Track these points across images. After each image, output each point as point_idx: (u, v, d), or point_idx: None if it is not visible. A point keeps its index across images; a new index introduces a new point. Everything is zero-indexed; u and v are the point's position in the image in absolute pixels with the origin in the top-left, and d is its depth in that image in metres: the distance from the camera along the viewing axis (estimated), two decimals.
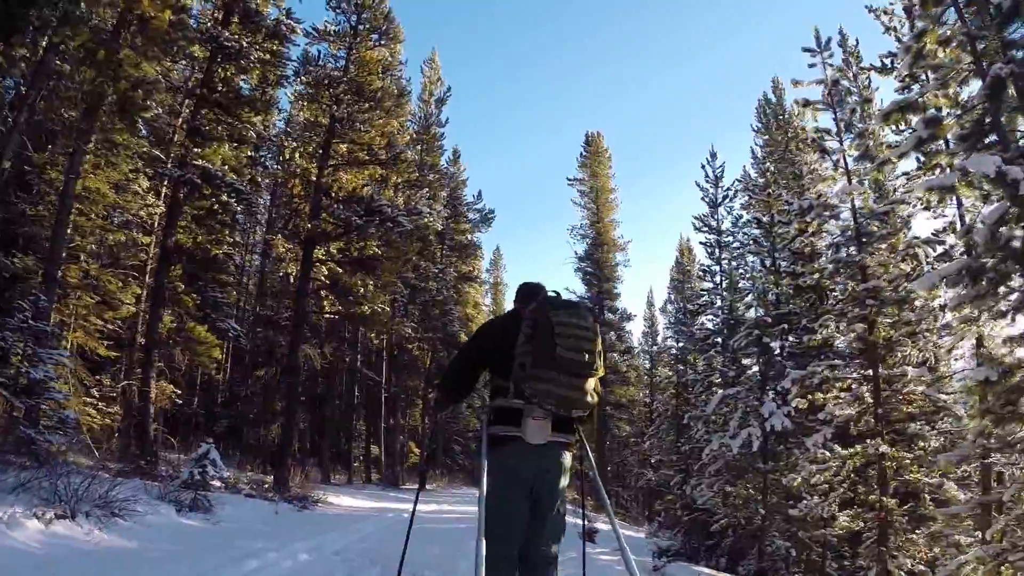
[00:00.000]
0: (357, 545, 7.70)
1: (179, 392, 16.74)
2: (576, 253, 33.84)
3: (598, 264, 32.82)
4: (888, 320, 8.34)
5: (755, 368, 11.54)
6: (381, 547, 7.58)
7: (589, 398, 2.91)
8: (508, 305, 41.17)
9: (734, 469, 10.55)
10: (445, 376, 3.54)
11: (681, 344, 23.90)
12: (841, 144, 9.02)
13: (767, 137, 25.87)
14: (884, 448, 7.79)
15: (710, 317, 18.51)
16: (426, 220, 14.85)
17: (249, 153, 17.17)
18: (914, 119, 6.23)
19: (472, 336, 3.41)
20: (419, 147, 27.50)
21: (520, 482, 2.89)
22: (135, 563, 5.62)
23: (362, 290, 14.41)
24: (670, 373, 33.35)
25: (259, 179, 26.49)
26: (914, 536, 7.81)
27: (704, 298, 18.77)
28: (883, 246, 8.44)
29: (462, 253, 30.27)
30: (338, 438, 27.23)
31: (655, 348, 38.41)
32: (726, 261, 18.93)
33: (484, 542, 2.48)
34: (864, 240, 8.51)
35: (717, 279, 18.77)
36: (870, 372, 8.35)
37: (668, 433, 22.05)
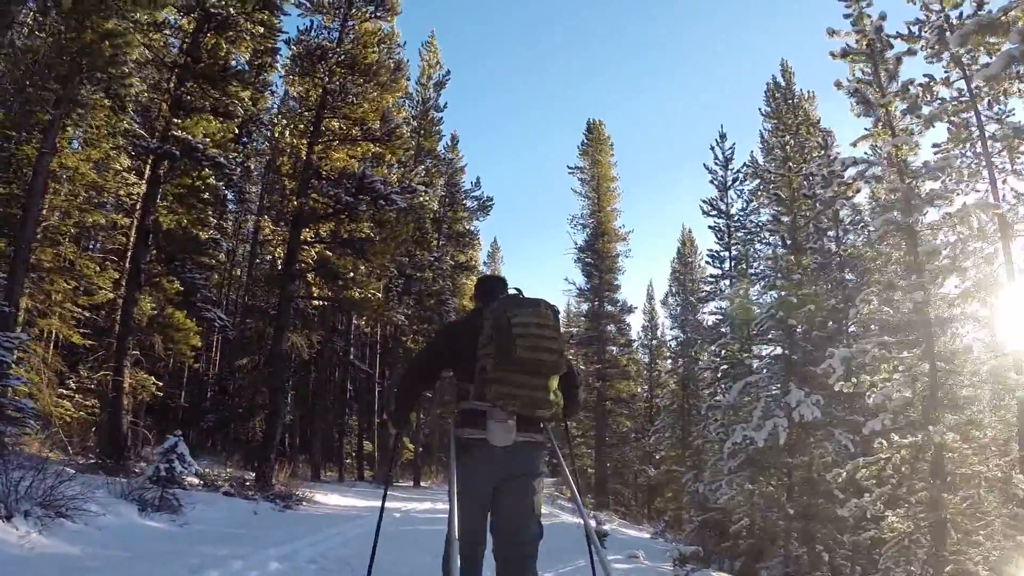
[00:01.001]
0: (338, 550, 6.75)
1: (160, 384, 15.87)
2: (576, 243, 32.88)
3: (598, 254, 31.85)
4: (942, 290, 7.42)
5: (776, 352, 10.62)
6: (365, 552, 6.64)
7: (552, 396, 2.87)
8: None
9: (756, 464, 9.64)
10: (401, 383, 3.35)
11: (687, 334, 22.95)
12: (883, 96, 8.08)
13: (776, 121, 25.01)
14: (944, 435, 6.84)
15: (719, 304, 17.63)
16: (421, 199, 13.86)
17: (235, 131, 16.22)
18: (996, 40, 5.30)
19: (432, 339, 3.42)
20: (417, 132, 26.56)
21: (485, 484, 2.88)
22: (66, 573, 4.68)
23: (352, 274, 13.42)
24: (672, 366, 32.69)
25: (251, 166, 25.80)
26: (979, 538, 6.89)
27: (712, 285, 17.85)
28: (934, 209, 7.53)
29: (459, 242, 29.22)
30: (330, 433, 26.24)
31: (654, 342, 37.67)
32: (736, 247, 18.05)
33: (456, 545, 2.56)
34: (914, 202, 7.59)
35: (726, 266, 17.89)
36: (918, 350, 7.41)
37: (674, 428, 21.13)
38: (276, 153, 15.23)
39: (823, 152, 23.56)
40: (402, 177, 14.14)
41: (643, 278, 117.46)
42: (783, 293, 10.11)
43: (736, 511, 10.04)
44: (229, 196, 25.71)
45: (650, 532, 16.63)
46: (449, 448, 3.02)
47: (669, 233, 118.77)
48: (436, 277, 26.07)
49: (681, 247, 35.87)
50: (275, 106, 19.38)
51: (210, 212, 16.46)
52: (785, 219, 11.23)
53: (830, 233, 10.81)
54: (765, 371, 9.85)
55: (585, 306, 33.51)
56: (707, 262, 17.89)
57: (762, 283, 12.20)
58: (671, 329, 34.37)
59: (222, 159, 12.87)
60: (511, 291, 3.11)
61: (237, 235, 25.91)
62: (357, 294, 13.22)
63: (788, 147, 15.53)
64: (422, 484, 26.84)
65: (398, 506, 13.79)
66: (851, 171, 8.13)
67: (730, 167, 19.00)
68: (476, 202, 29.61)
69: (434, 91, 29.64)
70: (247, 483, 12.11)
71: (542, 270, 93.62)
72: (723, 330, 17.13)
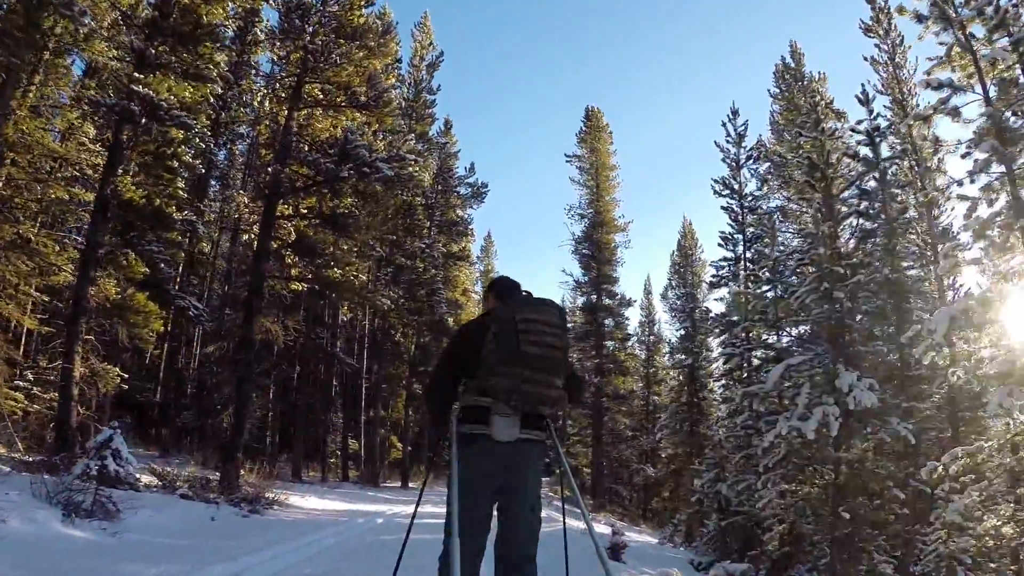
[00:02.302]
0: (300, 569, 5.34)
1: (125, 376, 14.46)
2: (573, 234, 31.64)
3: (597, 245, 30.58)
4: None
5: (810, 331, 9.28)
6: (333, 571, 5.27)
7: (556, 393, 2.87)
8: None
9: (797, 461, 8.29)
10: (430, 393, 3.24)
11: (695, 324, 21.63)
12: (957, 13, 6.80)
13: (786, 103, 23.90)
14: None
15: (732, 289, 16.32)
16: (411, 169, 12.44)
17: (209, 98, 14.81)
18: None
19: (449, 343, 3.31)
20: (408, 116, 25.15)
21: (487, 479, 2.84)
22: None
23: (333, 251, 11.99)
24: (673, 362, 31.40)
25: (235, 150, 24.32)
26: None
27: (724, 268, 16.56)
28: None
29: (452, 231, 27.73)
30: (314, 431, 24.71)
31: (652, 338, 36.47)
32: (751, 228, 16.79)
33: (456, 540, 2.48)
34: (1007, 134, 6.31)
35: (739, 249, 16.63)
36: None
37: (681, 424, 19.79)
38: (254, 122, 13.78)
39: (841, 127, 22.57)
40: (390, 145, 12.71)
41: (639, 274, 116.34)
42: (824, 266, 8.80)
43: (773, 515, 8.70)
44: (213, 184, 24.39)
45: (658, 537, 15.29)
46: (450, 444, 2.96)
47: (666, 227, 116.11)
48: (427, 267, 24.61)
49: (682, 239, 34.78)
50: (260, 84, 18.05)
51: (181, 186, 15.02)
52: (817, 186, 9.88)
53: (876, 197, 9.50)
54: (805, 354, 8.47)
55: (582, 299, 32.25)
56: (719, 244, 16.61)
57: (795, 257, 10.88)
58: (671, 323, 33.30)
59: (189, 120, 11.43)
60: (523, 293, 3.15)
61: (220, 224, 24.33)
62: (338, 274, 11.80)
63: (819, 108, 14.17)
64: (411, 485, 25.39)
65: (381, 509, 12.40)
66: (932, 95, 6.83)
67: (743, 145, 17.73)
68: (470, 189, 28.17)
69: (427, 73, 28.31)
70: (211, 484, 10.69)
71: (537, 265, 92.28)
72: (734, 318, 15.91)
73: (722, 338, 15.69)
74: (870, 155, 9.75)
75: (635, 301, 33.44)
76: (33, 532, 5.58)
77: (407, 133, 14.74)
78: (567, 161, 32.95)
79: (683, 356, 23.05)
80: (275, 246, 12.01)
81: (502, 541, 2.91)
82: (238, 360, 11.24)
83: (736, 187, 17.10)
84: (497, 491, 2.87)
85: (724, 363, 15.14)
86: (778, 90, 23.94)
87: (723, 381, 16.19)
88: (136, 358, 20.07)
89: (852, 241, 9.20)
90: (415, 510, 3.41)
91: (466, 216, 28.59)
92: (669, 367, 33.63)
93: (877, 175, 9.55)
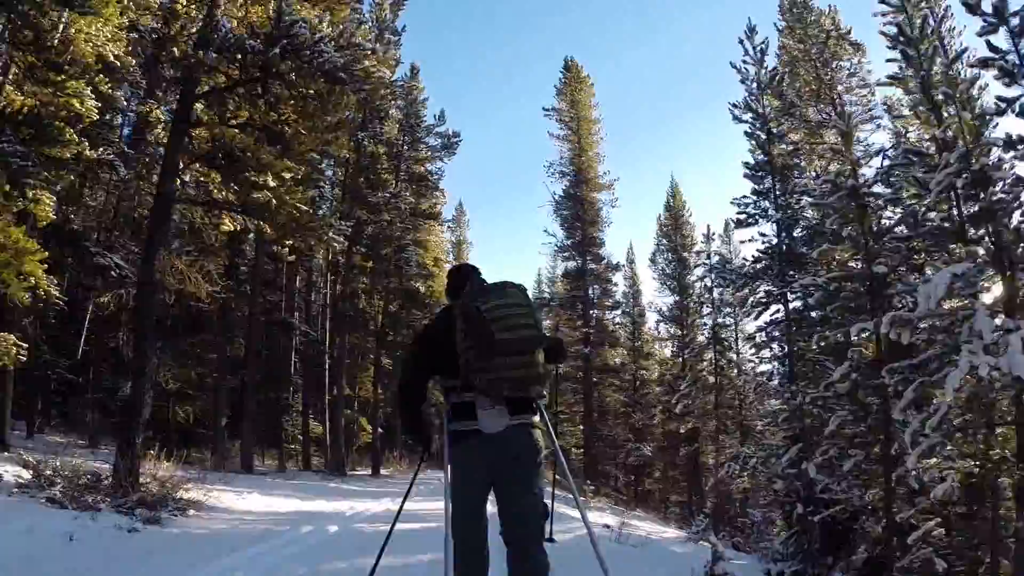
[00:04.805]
0: None
1: (24, 346, 11.38)
2: (554, 194, 28.72)
3: (580, 203, 27.78)
4: None
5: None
6: None
7: (541, 371, 2.89)
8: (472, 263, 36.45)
9: (976, 416, 5.59)
10: (402, 402, 3.20)
11: (721, 275, 19.00)
12: None
13: (796, 35, 21.31)
14: None
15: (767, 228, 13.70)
16: (367, 63, 9.40)
17: None
18: None
19: (411, 352, 3.36)
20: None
21: (480, 472, 2.87)
22: None
23: (264, 164, 8.85)
24: (668, 332, 28.98)
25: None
26: None
27: (753, 203, 13.89)
28: None
29: (420, 185, 24.57)
30: (273, 413, 21.53)
31: (636, 308, 33.94)
32: (781, 157, 14.15)
33: (452, 540, 2.74)
34: None
35: (769, 181, 14.00)
36: None
37: (702, 390, 17.18)
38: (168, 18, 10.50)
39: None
40: (341, 33, 9.68)
41: (621, 242, 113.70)
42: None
43: (932, 504, 6.04)
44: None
45: (685, 531, 12.63)
46: (441, 444, 3.04)
47: (647, 193, 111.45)
48: (393, 219, 21.47)
49: (671, 200, 32.22)
50: None
51: (81, 100, 11.69)
52: (913, 55, 7.23)
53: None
54: (967, 261, 5.74)
55: (565, 264, 29.57)
56: (745, 176, 13.96)
57: (890, 152, 8.27)
58: (660, 291, 30.71)
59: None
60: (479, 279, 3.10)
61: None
62: (271, 198, 8.77)
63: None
64: (382, 472, 22.52)
65: (340, 508, 9.55)
66: None
67: (764, 64, 15.01)
68: (440, 140, 24.94)
69: (391, 12, 25.01)
70: (102, 480, 7.69)
71: (512, 229, 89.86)
72: (765, 260, 13.41)
73: (753, 285, 13.10)
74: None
75: (624, 265, 30.89)
76: None
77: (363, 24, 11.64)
78: (545, 115, 29.95)
79: (705, 319, 20.38)
80: (189, 159, 8.90)
81: (510, 528, 2.86)
82: (136, 311, 8.15)
83: (760, 110, 14.42)
84: (493, 482, 2.88)
85: (760, 313, 12.51)
86: (785, 24, 21.30)
87: (756, 339, 13.57)
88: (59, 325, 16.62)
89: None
90: (399, 510, 3.35)
91: (437, 170, 25.44)
92: (664, 338, 31.32)
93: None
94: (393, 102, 23.55)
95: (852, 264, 8.86)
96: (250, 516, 8.01)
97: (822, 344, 9.17)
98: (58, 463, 7.89)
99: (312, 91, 9.26)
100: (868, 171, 9.12)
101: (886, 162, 8.57)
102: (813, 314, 10.84)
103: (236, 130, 9.21)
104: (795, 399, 8.91)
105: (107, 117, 12.91)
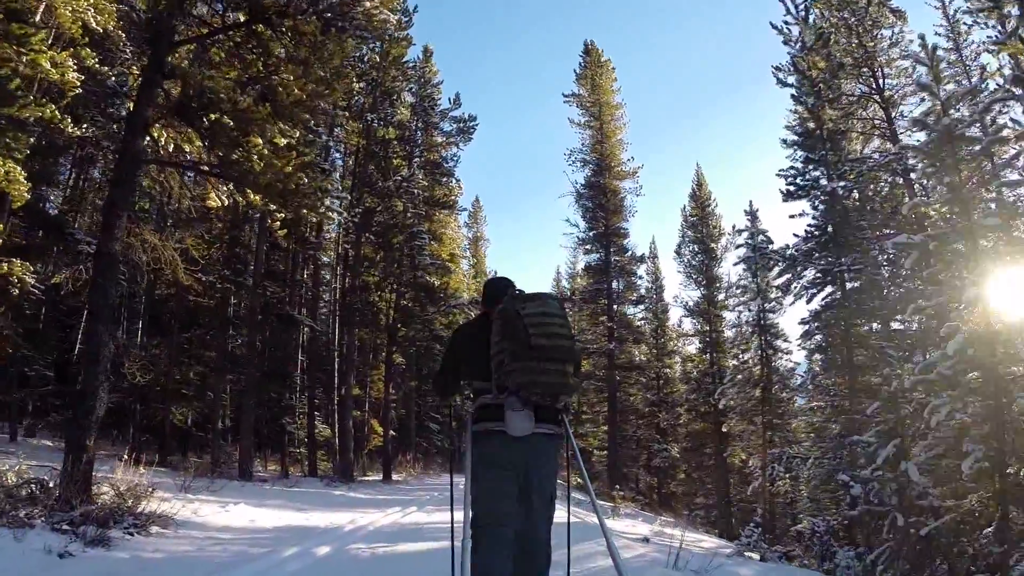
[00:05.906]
0: None
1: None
2: (575, 183, 27.37)
3: (603, 192, 26.34)
4: None
5: None
6: None
7: (571, 381, 2.88)
8: (489, 262, 34.30)
9: None
10: (438, 389, 3.36)
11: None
12: None
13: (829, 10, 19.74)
14: None
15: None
16: (367, 5, 8.04)
17: None
18: None
19: (447, 347, 3.34)
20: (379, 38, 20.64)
21: (508, 468, 2.82)
22: None
23: (244, 112, 7.50)
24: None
25: None
26: None
27: (799, 176, 12.38)
28: None
29: (434, 172, 23.18)
30: (277, 412, 20.20)
31: (660, 304, 32.43)
32: (830, 122, 12.65)
33: (471, 544, 2.65)
34: None
35: (818, 147, 12.51)
36: None
37: (745, 384, 15.62)
38: None
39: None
40: None
41: (644, 235, 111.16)
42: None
43: None
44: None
45: (730, 542, 11.13)
46: (464, 449, 2.99)
47: (668, 188, 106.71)
48: (406, 205, 20.07)
49: (697, 189, 30.75)
50: None
51: (56, 65, 10.45)
52: None
53: None
54: None
55: (586, 259, 28.14)
56: (793, 143, 12.47)
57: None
58: (686, 284, 29.22)
59: None
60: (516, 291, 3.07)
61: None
62: (255, 162, 7.41)
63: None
64: (394, 478, 21.14)
65: (339, 523, 8.12)
66: None
67: (809, 22, 13.52)
68: (455, 124, 23.53)
69: None
70: (49, 490, 6.35)
71: (530, 224, 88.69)
72: (814, 239, 11.98)
73: (802, 266, 11.59)
74: None
75: (648, 257, 29.38)
76: None
77: None
78: (565, 101, 28.60)
79: (743, 309, 18.84)
80: (159, 112, 7.59)
81: (519, 530, 2.83)
82: (93, 287, 6.82)
83: (807, 71, 12.92)
84: (515, 478, 2.83)
85: (813, 296, 11.00)
86: None
87: (809, 326, 12.07)
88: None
89: None
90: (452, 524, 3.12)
91: (453, 156, 24.01)
92: (689, 333, 29.79)
93: None
94: (405, 84, 22.30)
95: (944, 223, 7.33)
96: (226, 534, 6.63)
97: (917, 316, 7.66)
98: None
99: (306, 31, 7.87)
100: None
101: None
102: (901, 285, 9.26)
103: (214, 79, 7.86)
104: (889, 385, 7.41)
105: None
